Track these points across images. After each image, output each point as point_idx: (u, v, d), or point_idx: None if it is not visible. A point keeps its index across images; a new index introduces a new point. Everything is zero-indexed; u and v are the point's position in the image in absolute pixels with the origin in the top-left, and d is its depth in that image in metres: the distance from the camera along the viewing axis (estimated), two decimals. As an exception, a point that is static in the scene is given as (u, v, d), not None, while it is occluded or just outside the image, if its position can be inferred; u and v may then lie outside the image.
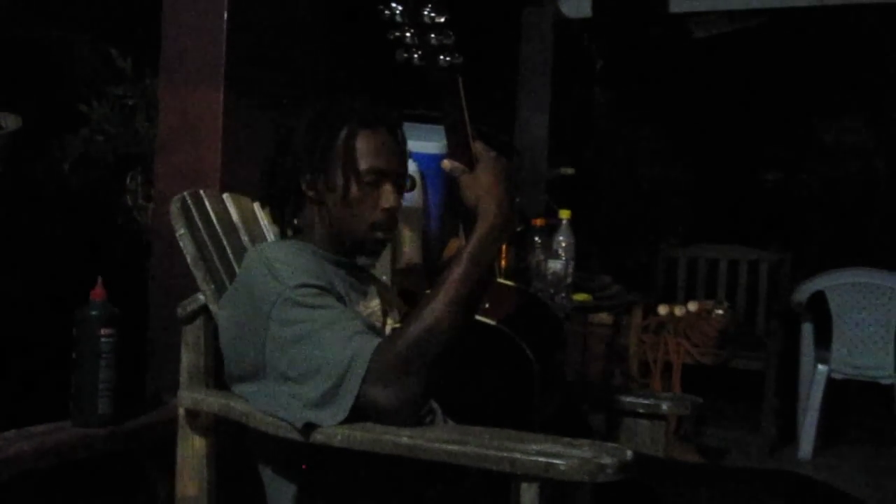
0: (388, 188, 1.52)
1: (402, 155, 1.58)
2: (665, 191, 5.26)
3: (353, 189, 1.50)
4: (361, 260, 1.57)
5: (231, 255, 1.65)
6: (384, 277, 2.18)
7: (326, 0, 2.51)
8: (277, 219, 1.61)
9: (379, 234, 1.54)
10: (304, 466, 1.47)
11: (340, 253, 1.55)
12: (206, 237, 1.61)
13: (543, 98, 4.50)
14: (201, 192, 1.68)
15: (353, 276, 1.57)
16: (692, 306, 3.95)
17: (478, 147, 1.33)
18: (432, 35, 1.24)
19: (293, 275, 1.38)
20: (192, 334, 1.62)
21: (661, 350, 3.76)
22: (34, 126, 2.26)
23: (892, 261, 3.93)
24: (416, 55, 1.26)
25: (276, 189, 1.57)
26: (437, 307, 1.27)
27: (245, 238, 1.71)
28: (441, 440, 1.24)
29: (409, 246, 2.57)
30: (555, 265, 2.83)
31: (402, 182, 1.57)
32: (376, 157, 1.51)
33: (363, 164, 1.50)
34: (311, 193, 1.53)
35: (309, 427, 1.30)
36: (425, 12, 1.23)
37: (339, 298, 1.42)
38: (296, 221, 1.58)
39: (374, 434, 1.26)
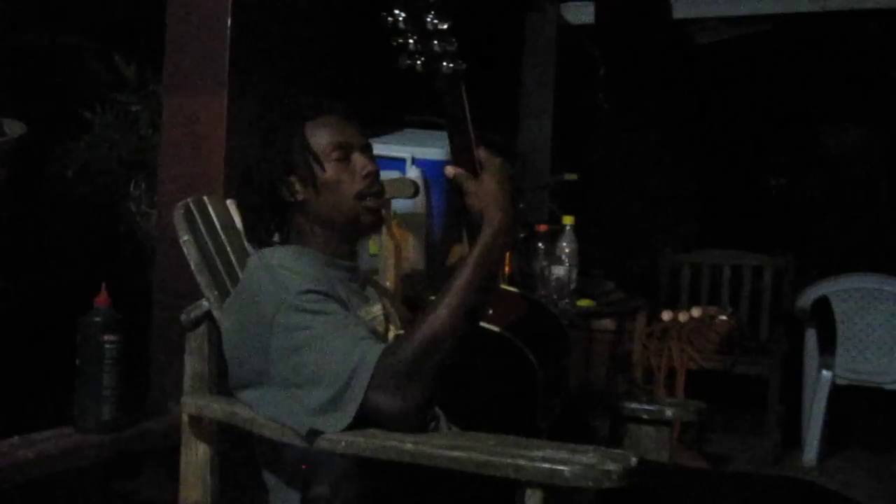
0: (358, 156, 1.53)
1: (358, 127, 1.57)
2: (668, 196, 5.24)
3: (325, 172, 1.51)
4: (363, 258, 1.57)
5: (235, 262, 1.64)
6: (387, 283, 2.18)
7: (330, 8, 2.52)
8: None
9: (369, 203, 1.53)
10: (303, 466, 1.47)
11: (339, 255, 1.54)
12: (209, 243, 1.61)
13: (546, 104, 4.50)
14: (205, 198, 1.68)
15: (355, 282, 1.57)
16: (696, 312, 3.94)
17: (482, 153, 1.33)
18: (435, 42, 1.24)
19: (297, 280, 1.38)
20: (195, 341, 1.61)
21: (664, 356, 3.75)
22: (38, 132, 2.26)
23: (896, 266, 3.92)
24: (419, 62, 1.26)
25: (262, 211, 1.57)
26: (442, 313, 1.27)
27: (248, 244, 1.71)
28: (445, 446, 1.23)
29: (412, 252, 2.57)
30: (558, 271, 2.84)
31: (369, 151, 1.57)
32: (333, 134, 1.52)
33: (324, 144, 1.51)
34: (290, 199, 1.53)
35: (313, 433, 1.30)
36: (428, 19, 1.23)
37: (342, 304, 1.42)
38: (278, 237, 1.58)
39: (378, 440, 1.26)
